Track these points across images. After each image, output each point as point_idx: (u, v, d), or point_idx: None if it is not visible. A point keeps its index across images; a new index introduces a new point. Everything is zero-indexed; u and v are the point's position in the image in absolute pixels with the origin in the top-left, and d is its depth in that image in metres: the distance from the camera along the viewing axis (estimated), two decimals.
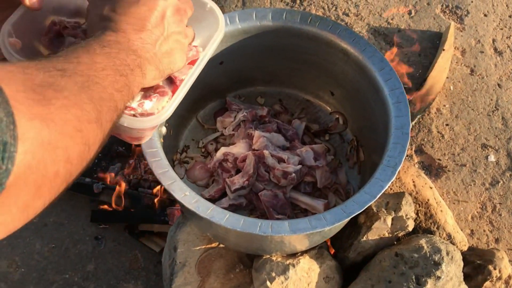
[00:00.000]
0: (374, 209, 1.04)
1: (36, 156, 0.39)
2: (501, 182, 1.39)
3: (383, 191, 0.84)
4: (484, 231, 1.34)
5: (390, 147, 0.90)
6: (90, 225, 1.38)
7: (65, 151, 0.43)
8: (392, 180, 0.86)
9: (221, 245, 1.08)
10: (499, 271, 1.10)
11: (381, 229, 1.02)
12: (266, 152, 1.04)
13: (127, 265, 1.34)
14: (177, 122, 1.12)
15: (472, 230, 1.34)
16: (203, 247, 1.08)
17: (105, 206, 1.37)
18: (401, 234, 1.05)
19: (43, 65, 0.47)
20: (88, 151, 0.48)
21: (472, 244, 1.32)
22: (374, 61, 1.01)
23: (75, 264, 1.34)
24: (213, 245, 1.08)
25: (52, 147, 0.41)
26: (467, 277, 1.09)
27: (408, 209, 1.04)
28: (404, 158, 0.89)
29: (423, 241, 1.01)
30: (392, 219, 1.03)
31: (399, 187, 1.16)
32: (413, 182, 1.17)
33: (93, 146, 0.48)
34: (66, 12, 0.73)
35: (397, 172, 0.86)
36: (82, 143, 0.46)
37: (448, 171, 1.41)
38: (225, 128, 1.14)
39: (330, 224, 0.83)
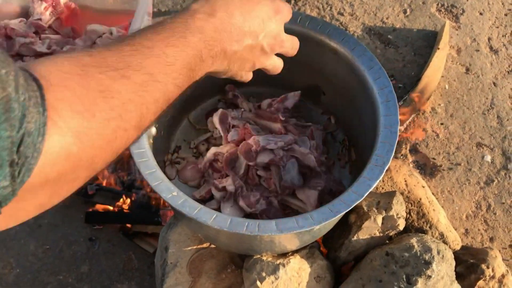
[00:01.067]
0: (365, 208, 1.03)
1: (56, 168, 0.39)
2: (496, 181, 1.38)
3: (370, 190, 0.84)
4: (479, 230, 1.33)
5: (378, 146, 0.90)
6: (84, 226, 1.38)
7: (91, 162, 0.43)
8: (379, 179, 0.86)
9: (212, 246, 1.08)
10: (492, 270, 1.10)
11: (371, 228, 1.02)
12: (252, 139, 1.02)
13: (121, 266, 1.34)
14: (168, 123, 1.12)
15: (466, 229, 1.33)
16: (195, 247, 1.08)
17: (99, 208, 1.37)
18: (392, 233, 1.05)
19: (108, 59, 0.46)
20: (114, 157, 0.47)
21: (467, 243, 1.31)
22: (363, 60, 1.01)
23: (70, 265, 1.34)
24: (205, 245, 1.08)
25: (77, 159, 0.41)
26: (460, 276, 1.08)
27: (399, 208, 1.03)
28: (392, 157, 0.88)
29: (414, 240, 1.01)
30: (383, 218, 1.02)
31: (391, 186, 1.16)
32: (405, 181, 1.17)
33: (122, 149, 0.48)
34: (8, 14, 0.74)
35: (384, 171, 0.86)
36: (111, 152, 0.46)
37: (443, 170, 1.40)
38: (216, 129, 1.14)
39: (317, 223, 0.82)
